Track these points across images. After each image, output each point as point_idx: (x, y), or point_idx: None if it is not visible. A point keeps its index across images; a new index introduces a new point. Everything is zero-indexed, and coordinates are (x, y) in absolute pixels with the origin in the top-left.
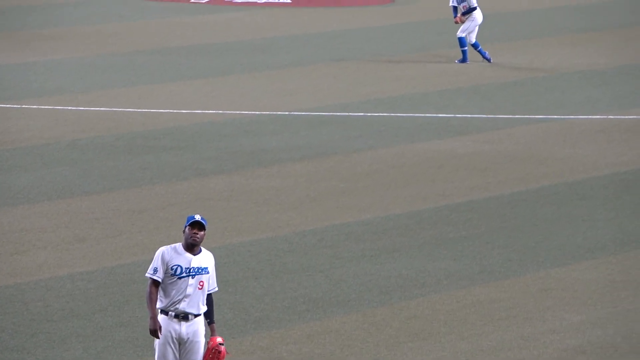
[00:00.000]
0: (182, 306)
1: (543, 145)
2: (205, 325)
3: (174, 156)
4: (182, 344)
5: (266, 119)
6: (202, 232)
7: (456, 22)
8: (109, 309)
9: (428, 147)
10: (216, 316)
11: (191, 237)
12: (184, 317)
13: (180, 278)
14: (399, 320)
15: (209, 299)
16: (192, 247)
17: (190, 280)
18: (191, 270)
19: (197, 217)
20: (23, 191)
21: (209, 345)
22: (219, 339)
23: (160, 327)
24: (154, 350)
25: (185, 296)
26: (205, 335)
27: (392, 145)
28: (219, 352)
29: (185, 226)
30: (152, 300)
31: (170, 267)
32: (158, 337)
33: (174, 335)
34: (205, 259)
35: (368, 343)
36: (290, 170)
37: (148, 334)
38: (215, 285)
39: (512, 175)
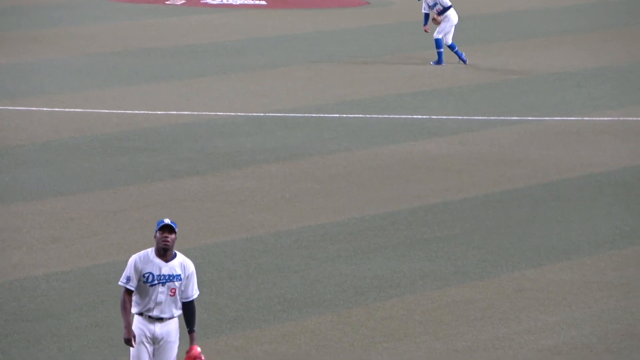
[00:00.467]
0: (155, 312)
1: (517, 146)
2: (181, 329)
3: (149, 157)
4: (156, 344)
5: (241, 120)
6: (173, 236)
7: (426, 31)
8: (84, 309)
9: (403, 149)
10: None
11: (162, 241)
12: (157, 319)
13: (151, 285)
14: (374, 321)
15: (191, 306)
16: (164, 253)
17: (161, 288)
18: (162, 278)
19: (167, 221)
20: None
21: (190, 354)
22: (199, 349)
23: (134, 336)
24: (129, 350)
25: (157, 303)
26: (182, 340)
27: (367, 146)
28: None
29: (156, 231)
30: (125, 310)
31: (142, 274)
32: (132, 346)
33: (148, 335)
34: (178, 265)
35: (343, 343)
36: (265, 171)
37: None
38: (194, 292)
39: (486, 177)
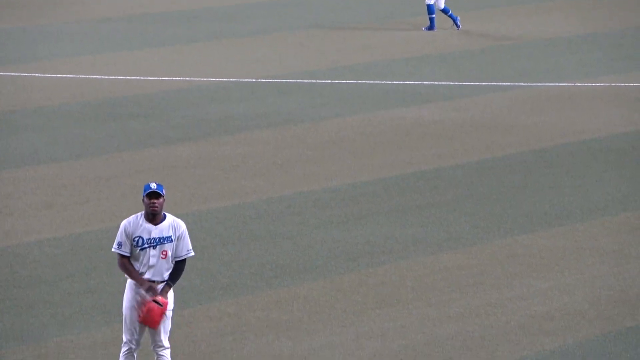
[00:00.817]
0: (147, 276)
1: (510, 113)
2: (176, 294)
3: (141, 123)
4: None
5: (233, 86)
6: (160, 200)
7: None
8: (76, 276)
9: (395, 115)
10: (184, 282)
11: (150, 206)
12: (150, 282)
13: (142, 249)
14: (366, 287)
15: (181, 264)
16: (152, 217)
17: (152, 251)
18: (152, 241)
19: (153, 186)
20: None
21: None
22: (159, 298)
23: (150, 284)
24: (123, 315)
25: (150, 266)
26: (176, 304)
27: (358, 112)
28: (149, 307)
29: (143, 196)
30: (129, 270)
31: (132, 239)
32: (155, 291)
33: (140, 300)
34: (168, 227)
35: (336, 309)
36: (257, 137)
37: (115, 300)
38: (188, 250)
39: (478, 143)
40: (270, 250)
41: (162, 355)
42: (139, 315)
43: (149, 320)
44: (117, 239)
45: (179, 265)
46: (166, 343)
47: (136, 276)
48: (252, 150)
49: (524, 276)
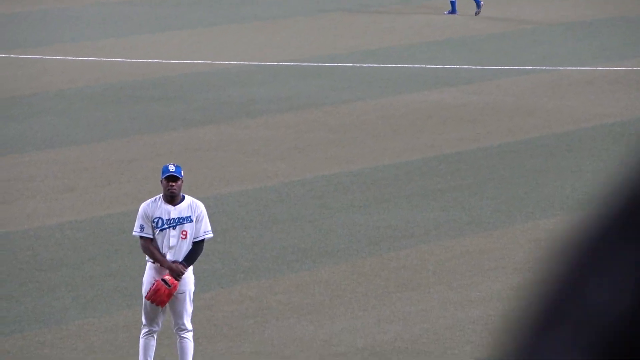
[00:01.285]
0: (169, 257)
1: (531, 96)
2: (197, 277)
3: (163, 106)
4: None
5: (255, 69)
6: (179, 182)
7: None
8: (98, 259)
9: (416, 99)
10: (205, 265)
11: (168, 189)
12: None
13: (162, 230)
14: (388, 271)
15: (199, 245)
16: (171, 198)
17: (172, 232)
18: (172, 222)
19: (171, 169)
20: (11, 141)
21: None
22: (167, 277)
23: (174, 265)
24: (143, 298)
25: (170, 247)
26: (198, 287)
27: (380, 96)
28: (156, 285)
29: (161, 178)
30: (152, 252)
31: (152, 220)
32: (181, 271)
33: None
34: (187, 208)
35: (357, 293)
36: (278, 120)
37: (136, 284)
38: (207, 231)
39: (500, 127)
40: (292, 233)
41: (185, 338)
42: (147, 295)
43: (156, 299)
44: (138, 222)
45: (196, 247)
46: (189, 325)
47: (159, 258)
48: (273, 133)
49: (546, 260)
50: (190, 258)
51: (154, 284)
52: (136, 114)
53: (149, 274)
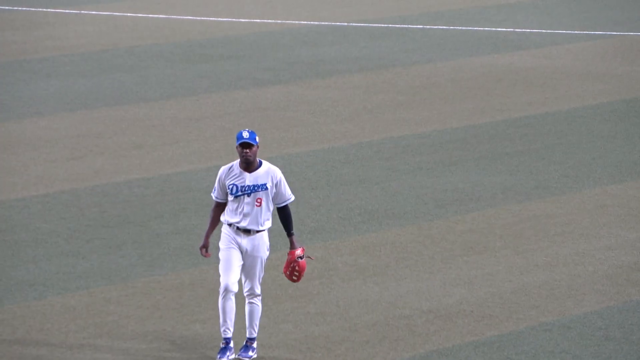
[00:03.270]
0: (243, 224)
1: (601, 61)
2: (274, 240)
3: (232, 65)
4: (244, 254)
5: (325, 29)
6: (254, 148)
7: None
8: (165, 217)
9: (486, 62)
10: (272, 227)
11: (243, 155)
12: (245, 231)
13: (236, 197)
14: (454, 234)
15: (285, 211)
16: (247, 165)
17: (247, 199)
18: (246, 189)
19: (245, 135)
20: (80, 97)
21: (288, 259)
22: (298, 251)
23: (207, 246)
24: (221, 259)
25: (244, 214)
26: (277, 249)
27: (450, 58)
28: (297, 266)
29: (236, 145)
30: (210, 219)
31: (227, 186)
32: (203, 255)
33: (236, 244)
34: (262, 175)
35: (423, 256)
36: (348, 81)
37: (201, 241)
38: (289, 196)
39: (569, 91)
40: (359, 195)
41: (254, 303)
42: (294, 278)
43: (300, 278)
44: (215, 185)
45: (285, 212)
46: (258, 290)
47: (208, 231)
48: (342, 94)
49: (612, 226)
50: (291, 225)
51: (294, 265)
52: (205, 72)
53: (226, 235)
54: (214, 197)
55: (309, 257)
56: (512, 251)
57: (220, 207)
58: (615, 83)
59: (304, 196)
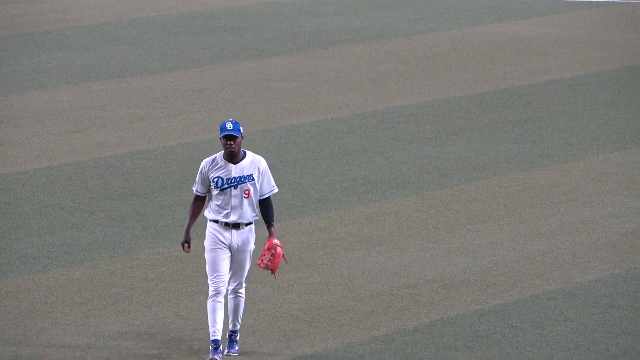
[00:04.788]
0: (232, 218)
1: (604, 29)
2: (253, 232)
3: (235, 36)
4: (232, 252)
5: (327, 0)
6: (238, 140)
7: None
8: (169, 188)
9: (489, 30)
10: (275, 197)
11: (227, 148)
12: (234, 225)
13: (222, 189)
14: (458, 203)
15: (267, 202)
16: (231, 157)
17: (234, 191)
18: (232, 181)
19: (229, 127)
20: (83, 69)
21: (266, 246)
22: (276, 240)
23: (189, 242)
24: (207, 259)
25: (232, 207)
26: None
27: (453, 27)
28: (275, 251)
29: (220, 136)
30: (190, 214)
31: (211, 179)
32: (185, 251)
33: (225, 242)
34: (248, 165)
35: (427, 225)
36: (350, 51)
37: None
38: (272, 187)
39: (572, 59)
40: (363, 165)
41: (240, 296)
42: (269, 265)
43: (277, 266)
44: (196, 178)
45: (267, 205)
46: (244, 283)
47: (189, 225)
48: (345, 64)
49: (616, 194)
50: (272, 217)
51: (271, 251)
52: (208, 43)
53: (212, 234)
54: (194, 191)
55: (284, 258)
56: (516, 220)
57: (200, 200)
58: (618, 50)
59: (307, 166)
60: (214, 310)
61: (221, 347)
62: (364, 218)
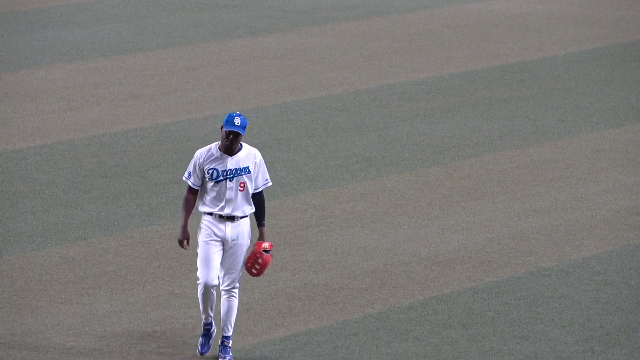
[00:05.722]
0: (226, 211)
1: (597, 6)
2: (251, 227)
3: (228, 14)
4: (226, 245)
5: None
6: (240, 138)
7: None
8: (163, 166)
9: (482, 7)
10: (270, 174)
11: (227, 142)
12: (229, 218)
13: (217, 182)
14: (452, 180)
15: (260, 197)
16: (228, 150)
17: (229, 183)
18: (228, 173)
19: (237, 123)
20: (77, 47)
21: (253, 250)
22: (265, 244)
23: (187, 238)
24: (198, 254)
25: (227, 200)
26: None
27: (446, 5)
28: (261, 259)
29: (224, 128)
30: (185, 208)
31: (206, 171)
32: (183, 248)
33: (219, 234)
34: (244, 158)
35: (421, 202)
36: (344, 29)
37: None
38: (266, 180)
39: (566, 36)
40: (357, 142)
41: (233, 296)
42: (254, 271)
43: (261, 274)
44: (188, 168)
45: (260, 199)
46: (239, 282)
47: (185, 219)
48: (338, 42)
49: (610, 170)
50: (264, 215)
51: (257, 257)
52: (201, 21)
53: (206, 226)
54: (190, 183)
55: (267, 251)
56: (510, 197)
57: (194, 192)
58: (612, 27)
59: (301, 144)
60: (205, 300)
61: (214, 331)
62: (358, 195)
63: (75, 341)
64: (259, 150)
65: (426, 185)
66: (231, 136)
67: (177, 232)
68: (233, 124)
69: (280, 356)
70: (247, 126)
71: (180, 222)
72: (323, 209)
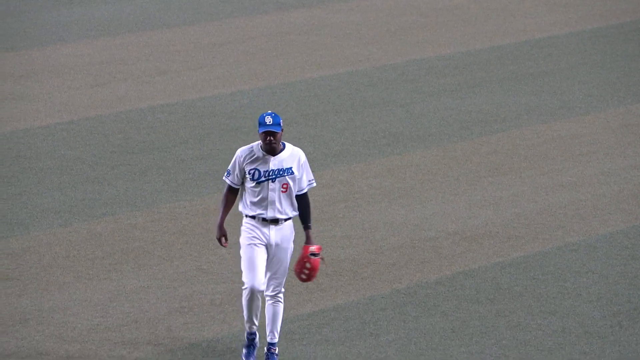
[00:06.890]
0: (270, 213)
1: None
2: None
3: None
4: (270, 250)
5: None
6: (278, 135)
7: None
8: (190, 142)
9: None
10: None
11: (267, 143)
12: (272, 221)
13: (259, 183)
14: (479, 155)
15: (305, 198)
16: (270, 151)
17: (272, 185)
18: (270, 174)
19: (268, 122)
20: (103, 23)
21: (301, 254)
22: (313, 248)
23: (225, 235)
24: (242, 257)
25: (270, 202)
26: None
27: None
28: (309, 263)
29: (259, 130)
30: (223, 205)
31: (247, 171)
32: (222, 245)
33: (263, 238)
34: (287, 158)
35: (448, 177)
36: (371, 4)
37: (226, 165)
38: (310, 181)
39: (593, 11)
40: (383, 118)
41: (279, 301)
42: (303, 277)
43: (313, 278)
44: (229, 167)
45: (305, 201)
46: (284, 287)
47: (223, 217)
48: (365, 17)
49: (637, 145)
50: (310, 217)
51: (305, 262)
52: None
53: (250, 229)
54: (228, 182)
55: (322, 259)
56: (537, 172)
57: (233, 192)
58: (638, 2)
59: (328, 120)
60: (250, 307)
61: (258, 338)
62: (385, 171)
63: (103, 317)
64: (286, 124)
65: (453, 160)
66: (268, 137)
67: (214, 229)
68: (265, 124)
69: (308, 331)
70: (274, 102)
71: (217, 220)
72: (350, 184)
